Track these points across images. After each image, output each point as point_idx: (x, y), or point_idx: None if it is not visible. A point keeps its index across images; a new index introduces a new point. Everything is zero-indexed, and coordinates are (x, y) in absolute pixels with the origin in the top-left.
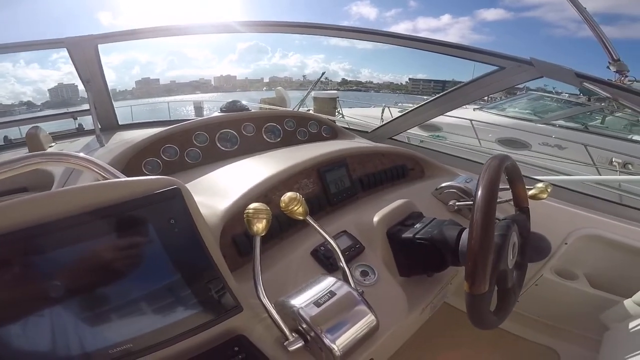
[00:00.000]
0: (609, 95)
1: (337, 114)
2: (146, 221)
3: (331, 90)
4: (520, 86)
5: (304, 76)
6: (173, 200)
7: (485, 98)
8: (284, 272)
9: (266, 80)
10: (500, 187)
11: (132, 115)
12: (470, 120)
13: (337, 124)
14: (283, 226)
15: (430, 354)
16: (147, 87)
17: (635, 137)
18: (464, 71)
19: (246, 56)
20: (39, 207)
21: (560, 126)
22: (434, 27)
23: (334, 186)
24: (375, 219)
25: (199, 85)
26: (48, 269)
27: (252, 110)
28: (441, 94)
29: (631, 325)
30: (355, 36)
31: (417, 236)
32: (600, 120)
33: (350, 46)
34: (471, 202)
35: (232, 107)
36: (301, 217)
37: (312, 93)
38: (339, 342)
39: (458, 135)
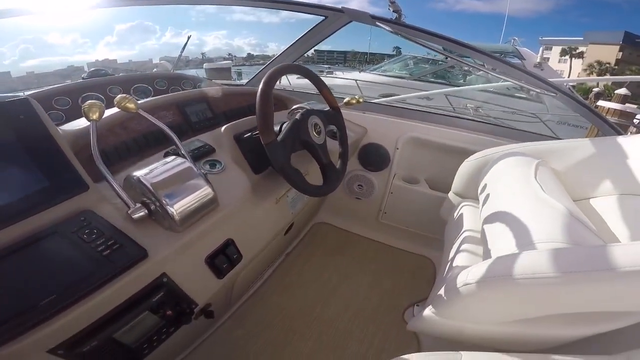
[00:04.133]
0: (394, 31)
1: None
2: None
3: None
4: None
5: (202, 54)
6: (22, 106)
7: (374, 61)
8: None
9: (155, 61)
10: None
11: None
12: (355, 80)
13: None
14: (143, 147)
15: (317, 267)
16: None
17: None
18: (361, 42)
19: (128, 37)
20: None
21: (430, 82)
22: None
23: (194, 116)
24: (223, 128)
25: (69, 74)
26: None
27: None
28: (291, 44)
29: (455, 213)
30: None
31: (254, 133)
32: (462, 78)
33: (257, 21)
34: None
35: (96, 74)
36: (134, 110)
37: (204, 65)
38: (177, 207)
39: (346, 93)
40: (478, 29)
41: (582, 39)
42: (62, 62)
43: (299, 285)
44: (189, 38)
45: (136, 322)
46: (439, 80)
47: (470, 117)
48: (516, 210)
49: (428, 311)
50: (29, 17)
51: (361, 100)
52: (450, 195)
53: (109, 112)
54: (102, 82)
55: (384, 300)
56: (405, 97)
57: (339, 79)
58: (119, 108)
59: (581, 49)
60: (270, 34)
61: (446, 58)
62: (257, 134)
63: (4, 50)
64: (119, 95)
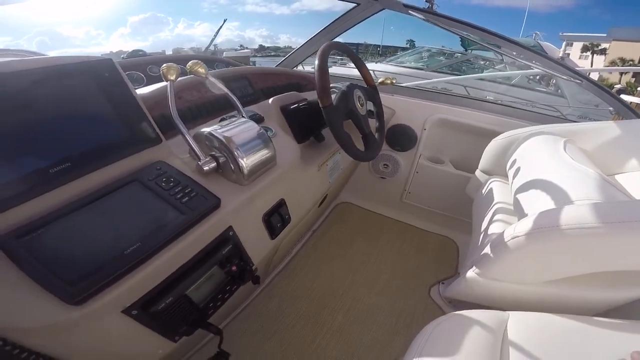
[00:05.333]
0: (426, 19)
1: None
2: (89, 74)
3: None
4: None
5: (214, 45)
6: (107, 65)
7: (387, 53)
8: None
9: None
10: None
11: None
12: (373, 70)
13: None
14: (196, 116)
15: (342, 244)
16: None
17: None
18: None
19: (141, 29)
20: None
21: (446, 73)
22: None
23: (238, 91)
24: (271, 100)
25: None
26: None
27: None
28: (322, 29)
29: (483, 189)
30: None
31: (301, 104)
32: (479, 71)
33: (268, 12)
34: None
35: (135, 54)
36: (203, 75)
37: (224, 53)
38: (247, 160)
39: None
40: (495, 24)
41: (605, 35)
42: (79, 54)
43: (326, 261)
44: (224, 21)
45: (206, 277)
46: (455, 73)
47: (494, 101)
48: (550, 177)
49: (470, 273)
50: (39, 9)
51: (394, 81)
52: (477, 173)
53: (159, 85)
54: (142, 61)
55: (409, 277)
56: (428, 82)
57: (354, 69)
58: (190, 72)
59: (604, 45)
60: (281, 26)
61: (466, 50)
62: (302, 105)
63: (21, 42)
64: (191, 61)
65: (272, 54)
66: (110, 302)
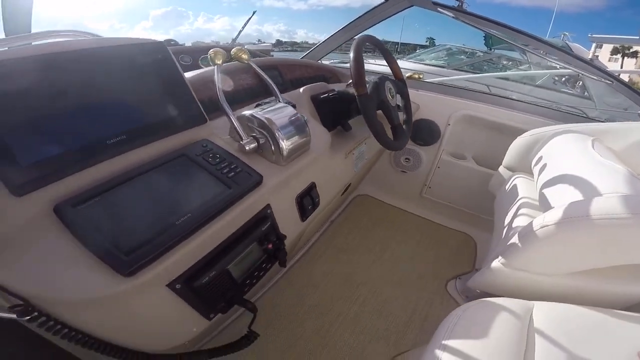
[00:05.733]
0: (455, 17)
1: None
2: (143, 55)
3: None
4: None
5: (232, 39)
6: (160, 48)
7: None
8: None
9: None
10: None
11: None
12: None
13: None
14: (244, 98)
15: (360, 236)
16: None
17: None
18: (393, 32)
19: (163, 22)
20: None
21: (467, 72)
22: None
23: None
24: (302, 89)
25: None
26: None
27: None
28: (346, 24)
29: (507, 185)
30: None
31: (331, 94)
32: (502, 70)
33: (286, 7)
34: None
35: (167, 44)
36: (246, 60)
37: (246, 46)
38: (287, 142)
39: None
40: (519, 24)
41: (637, 38)
42: None
43: (343, 252)
44: (253, 13)
45: (246, 253)
46: (477, 72)
47: (520, 99)
48: (577, 172)
49: (496, 263)
50: (64, 3)
51: (421, 76)
52: (501, 169)
53: (200, 71)
54: (174, 50)
55: (426, 271)
56: (449, 79)
57: (374, 65)
58: (234, 58)
59: (635, 48)
60: (299, 21)
61: (490, 49)
62: (332, 95)
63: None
64: (235, 48)
65: (289, 49)
66: (159, 274)
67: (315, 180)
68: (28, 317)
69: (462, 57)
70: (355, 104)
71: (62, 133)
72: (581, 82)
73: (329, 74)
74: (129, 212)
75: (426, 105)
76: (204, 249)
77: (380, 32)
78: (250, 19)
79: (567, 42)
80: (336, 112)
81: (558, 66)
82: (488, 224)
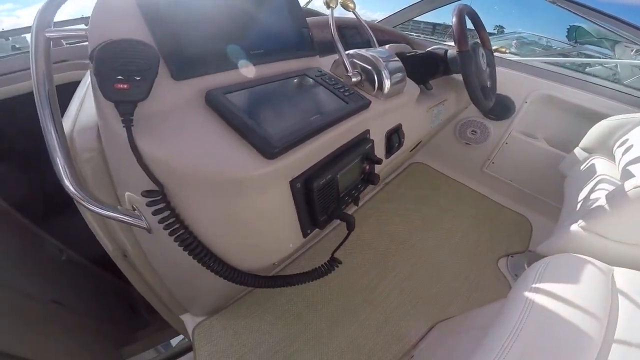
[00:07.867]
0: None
1: None
2: None
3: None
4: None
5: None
6: None
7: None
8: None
9: None
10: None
11: None
12: None
13: None
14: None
15: (415, 200)
16: None
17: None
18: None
19: None
20: None
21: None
22: None
23: (350, 38)
24: (387, 46)
25: None
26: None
27: None
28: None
29: (583, 166)
30: None
31: (419, 52)
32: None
33: None
34: None
35: None
36: (352, 9)
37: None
38: (391, 80)
39: None
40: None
41: None
42: None
43: (397, 213)
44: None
45: (351, 167)
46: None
47: (603, 84)
48: None
49: (575, 227)
50: None
51: (507, 51)
52: (577, 150)
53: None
54: None
55: (480, 244)
56: (534, 59)
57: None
58: (342, 6)
59: None
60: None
61: (576, 42)
62: (420, 54)
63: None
64: None
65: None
66: (292, 163)
67: (402, 122)
68: (157, 207)
69: (535, 48)
70: (443, 64)
71: (219, 39)
72: None
73: (403, 40)
74: (269, 105)
75: (504, 80)
76: (323, 150)
77: (441, 16)
78: None
79: None
80: (421, 71)
81: None
82: (546, 208)
